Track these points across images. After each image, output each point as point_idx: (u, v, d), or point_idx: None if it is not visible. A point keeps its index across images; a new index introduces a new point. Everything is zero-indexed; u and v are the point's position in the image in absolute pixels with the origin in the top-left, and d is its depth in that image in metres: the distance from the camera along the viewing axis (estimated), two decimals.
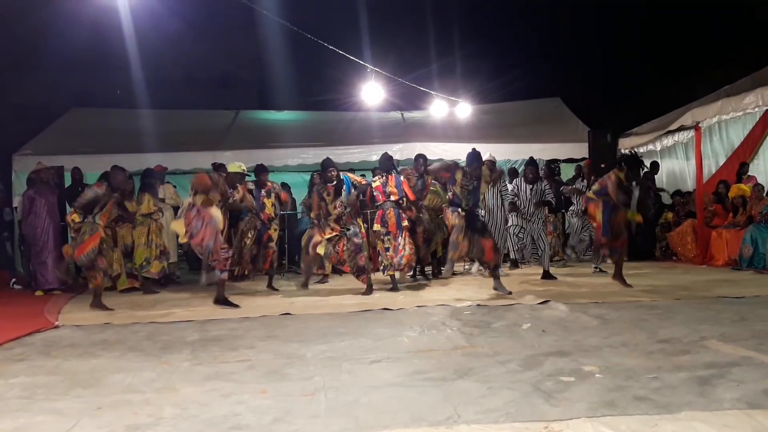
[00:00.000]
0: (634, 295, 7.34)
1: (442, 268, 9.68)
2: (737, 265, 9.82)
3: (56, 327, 6.49)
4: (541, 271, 9.35)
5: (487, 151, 10.21)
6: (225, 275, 7.35)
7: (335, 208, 8.37)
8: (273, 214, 9.42)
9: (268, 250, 9.02)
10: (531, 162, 10.34)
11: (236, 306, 7.29)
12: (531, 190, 9.75)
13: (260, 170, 9.53)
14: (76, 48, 16.89)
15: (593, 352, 4.53)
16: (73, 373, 4.42)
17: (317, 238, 8.36)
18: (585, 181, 10.81)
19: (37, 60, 17.83)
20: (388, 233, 8.45)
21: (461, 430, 3.00)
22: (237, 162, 8.90)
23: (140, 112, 14.62)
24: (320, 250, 8.30)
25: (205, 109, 16.64)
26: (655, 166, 12.53)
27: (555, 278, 9.08)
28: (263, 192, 9.28)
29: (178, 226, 7.36)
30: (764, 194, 10.51)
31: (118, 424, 3.28)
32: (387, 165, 8.96)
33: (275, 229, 9.51)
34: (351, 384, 3.90)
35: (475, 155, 7.96)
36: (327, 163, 8.74)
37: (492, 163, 9.88)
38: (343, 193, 8.42)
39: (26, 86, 17.43)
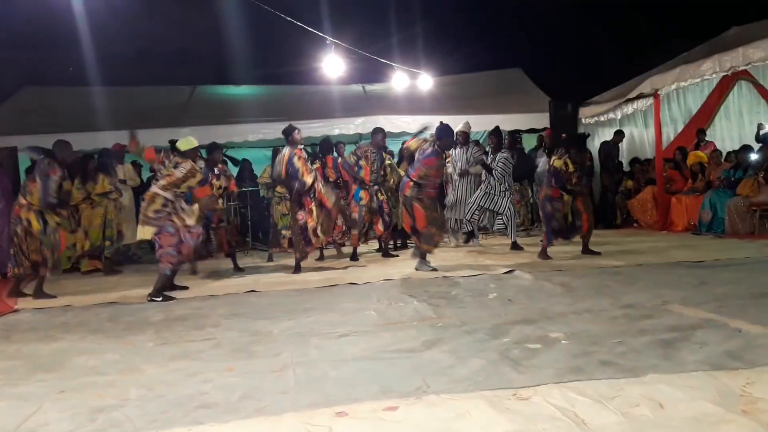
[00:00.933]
0: (596, 261, 7.43)
1: (408, 241, 9.83)
2: (697, 230, 10.00)
3: (16, 311, 6.36)
4: (509, 242, 9.39)
5: (452, 122, 10.19)
6: (167, 270, 6.68)
7: None
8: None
9: (220, 231, 8.63)
10: (494, 131, 10.17)
11: (171, 297, 6.67)
12: (464, 154, 9.99)
13: (213, 148, 8.93)
14: (26, 25, 16.42)
15: (558, 319, 4.57)
16: (34, 357, 4.33)
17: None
18: (546, 150, 10.91)
19: None
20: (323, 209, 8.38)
21: (431, 401, 3.00)
22: (189, 137, 7.43)
23: (95, 89, 14.27)
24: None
25: (161, 85, 16.31)
26: (620, 133, 12.61)
27: (522, 248, 9.12)
28: (215, 171, 8.71)
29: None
30: (722, 159, 10.69)
31: (82, 406, 3.21)
32: (325, 148, 9.61)
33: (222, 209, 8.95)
34: (319, 359, 3.88)
35: (444, 129, 7.70)
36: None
37: (465, 134, 9.92)
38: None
39: None
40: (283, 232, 9.66)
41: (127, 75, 17.69)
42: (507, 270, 7.06)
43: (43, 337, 5.01)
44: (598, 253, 7.98)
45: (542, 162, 10.58)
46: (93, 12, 14.62)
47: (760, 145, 10.41)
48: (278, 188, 9.70)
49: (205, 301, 6.33)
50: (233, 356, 4.07)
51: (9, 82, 15.56)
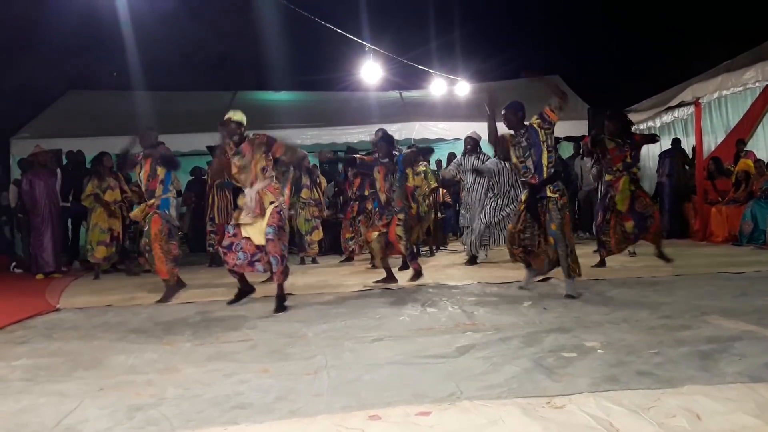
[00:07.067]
0: (633, 271, 7.34)
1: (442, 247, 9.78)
2: (737, 241, 9.82)
3: (57, 310, 6.50)
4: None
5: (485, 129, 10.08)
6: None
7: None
8: None
9: None
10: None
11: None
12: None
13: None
14: (71, 30, 16.78)
15: (594, 328, 4.52)
16: (75, 355, 4.41)
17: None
18: (586, 158, 10.73)
19: (33, 43, 17.73)
20: None
21: (464, 406, 3.00)
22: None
23: (137, 94, 14.55)
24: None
25: (202, 90, 16.55)
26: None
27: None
28: None
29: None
30: (765, 169, 10.49)
31: (120, 404, 3.27)
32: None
33: None
34: (353, 362, 3.90)
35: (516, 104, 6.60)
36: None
37: (472, 139, 9.46)
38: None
39: (22, 69, 17.33)
40: (307, 238, 9.76)
41: (169, 80, 17.98)
42: (543, 278, 7.01)
43: (83, 336, 5.10)
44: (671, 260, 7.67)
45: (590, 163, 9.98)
46: (136, 18, 14.91)
47: None
48: (303, 193, 9.74)
49: (242, 303, 6.38)
50: (268, 358, 4.10)
51: (54, 86, 15.94)
